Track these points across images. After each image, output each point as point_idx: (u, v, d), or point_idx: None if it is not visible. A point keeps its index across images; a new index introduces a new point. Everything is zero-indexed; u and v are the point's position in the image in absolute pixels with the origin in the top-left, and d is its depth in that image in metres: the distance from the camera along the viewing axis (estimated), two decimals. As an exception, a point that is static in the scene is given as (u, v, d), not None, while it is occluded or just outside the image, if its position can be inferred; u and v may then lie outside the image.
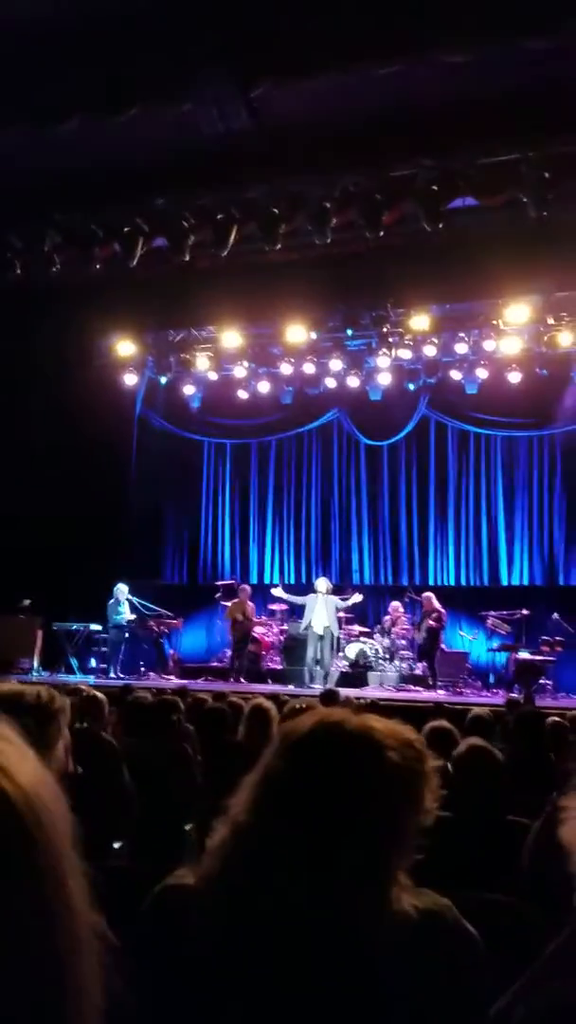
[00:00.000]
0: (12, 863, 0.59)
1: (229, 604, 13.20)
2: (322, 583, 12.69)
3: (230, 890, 1.14)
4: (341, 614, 12.83)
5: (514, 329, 12.52)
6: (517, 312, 12.04)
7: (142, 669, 13.16)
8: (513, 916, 1.97)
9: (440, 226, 8.94)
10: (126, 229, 9.84)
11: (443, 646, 13.11)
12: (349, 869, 1.10)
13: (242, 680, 12.47)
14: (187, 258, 9.85)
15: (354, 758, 1.15)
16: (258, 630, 13.36)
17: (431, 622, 12.35)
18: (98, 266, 10.27)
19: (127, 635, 13.03)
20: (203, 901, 1.17)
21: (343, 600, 12.77)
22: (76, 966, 0.61)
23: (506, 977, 1.47)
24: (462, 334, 12.90)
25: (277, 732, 1.25)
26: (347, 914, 1.09)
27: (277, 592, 13.28)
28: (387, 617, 13.36)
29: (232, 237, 9.49)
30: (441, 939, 1.14)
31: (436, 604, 12.49)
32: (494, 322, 12.58)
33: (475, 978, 1.22)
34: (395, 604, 13.39)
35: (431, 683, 12.20)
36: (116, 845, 3.65)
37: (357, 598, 12.96)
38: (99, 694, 4.74)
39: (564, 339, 12.39)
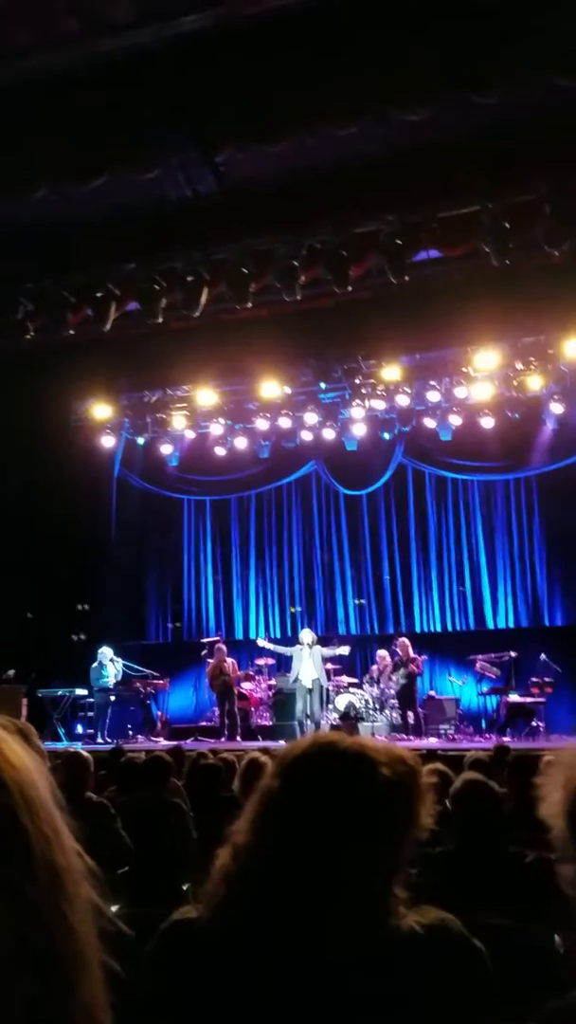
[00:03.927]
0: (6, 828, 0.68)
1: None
2: (307, 635, 12.60)
3: (236, 911, 1.14)
4: (329, 666, 12.75)
5: (484, 375, 12.73)
6: (486, 358, 12.25)
7: (130, 732, 12.94)
8: (514, 938, 1.95)
9: (406, 278, 9.13)
10: (98, 294, 9.98)
11: (432, 692, 13.06)
12: (349, 881, 1.11)
13: (228, 737, 12.27)
14: (160, 320, 9.98)
15: (348, 773, 1.17)
16: (246, 686, 13.22)
17: (413, 668, 12.32)
18: (71, 332, 10.38)
19: (113, 698, 12.85)
20: (211, 927, 1.17)
21: (329, 650, 12.69)
22: (67, 914, 0.70)
23: (507, 992, 1.46)
24: (433, 382, 13.11)
25: (274, 756, 1.27)
26: (352, 925, 1.09)
27: (261, 643, 13.18)
28: (375, 666, 13.27)
29: (203, 297, 9.64)
30: (449, 952, 1.15)
31: (411, 651, 12.50)
32: (464, 369, 12.79)
33: (483, 989, 1.22)
34: (382, 653, 13.31)
35: (421, 731, 12.10)
36: (113, 908, 3.57)
37: (344, 650, 12.87)
38: (83, 752, 4.67)
39: (533, 383, 12.60)
